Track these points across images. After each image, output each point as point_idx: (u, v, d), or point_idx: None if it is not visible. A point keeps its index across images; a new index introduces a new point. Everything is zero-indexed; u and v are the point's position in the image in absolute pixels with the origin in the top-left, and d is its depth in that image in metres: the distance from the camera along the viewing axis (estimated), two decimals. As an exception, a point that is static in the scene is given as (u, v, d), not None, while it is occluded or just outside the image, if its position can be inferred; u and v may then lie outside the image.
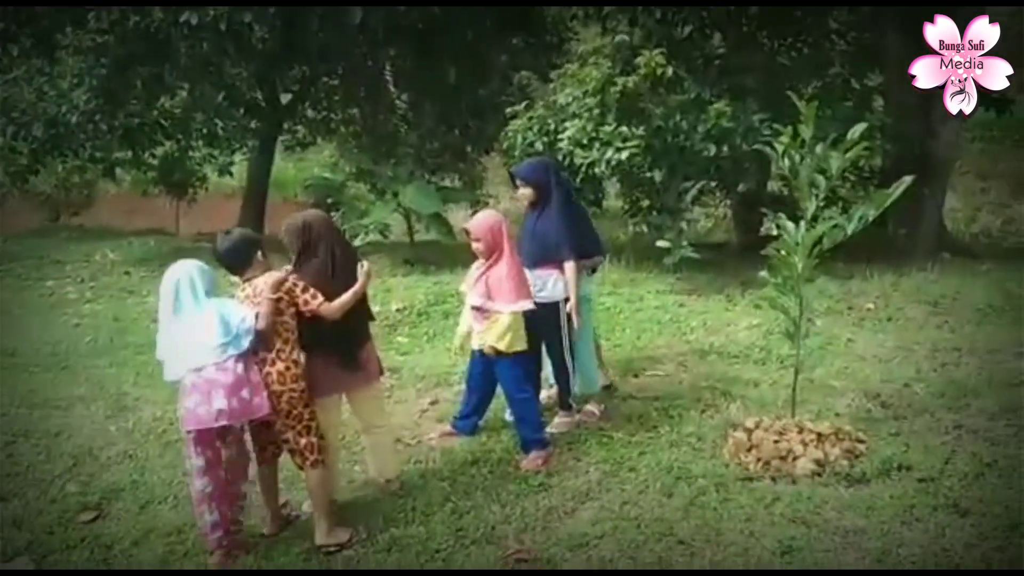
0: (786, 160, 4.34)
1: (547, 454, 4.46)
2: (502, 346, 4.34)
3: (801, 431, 4.53)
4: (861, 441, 4.56)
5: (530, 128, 9.04)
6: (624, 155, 7.83)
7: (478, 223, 4.42)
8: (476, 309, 4.44)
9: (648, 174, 9.07)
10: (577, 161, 8.36)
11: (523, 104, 9.20)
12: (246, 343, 3.40)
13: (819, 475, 4.17)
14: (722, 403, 5.24)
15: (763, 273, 4.64)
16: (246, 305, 3.53)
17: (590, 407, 5.09)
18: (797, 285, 4.45)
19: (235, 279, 3.72)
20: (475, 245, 4.39)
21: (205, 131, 11.57)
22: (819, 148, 4.21)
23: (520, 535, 3.72)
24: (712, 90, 8.57)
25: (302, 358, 3.67)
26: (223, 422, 3.36)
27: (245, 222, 14.48)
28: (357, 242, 10.03)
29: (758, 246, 4.50)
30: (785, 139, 4.30)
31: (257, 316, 3.44)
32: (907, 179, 4.10)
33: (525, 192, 4.82)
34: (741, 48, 9.83)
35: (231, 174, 14.19)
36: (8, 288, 9.83)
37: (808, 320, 7.16)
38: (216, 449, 3.47)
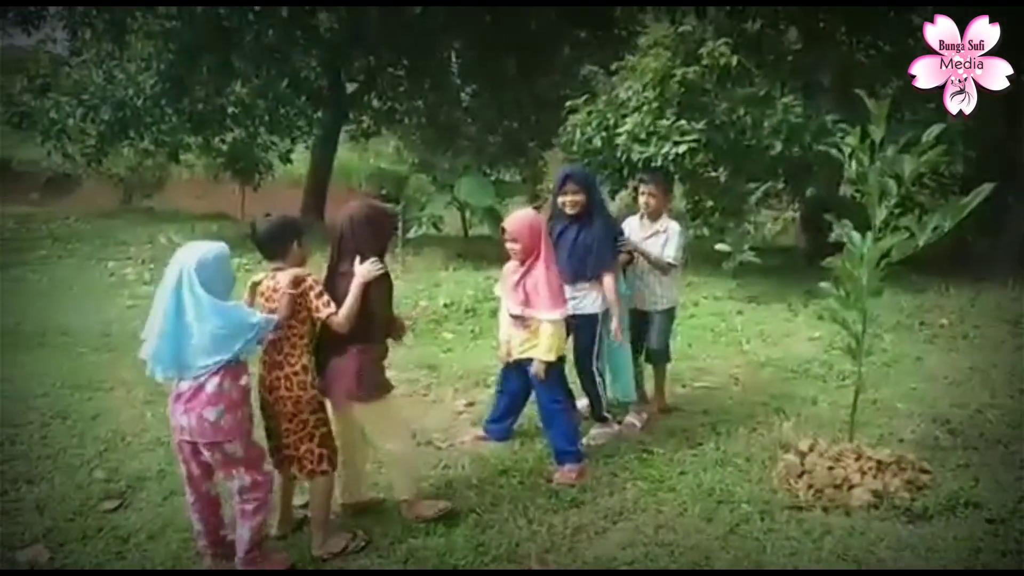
0: (854, 163, 4.00)
1: (581, 468, 4.22)
2: (552, 358, 4.13)
3: (859, 457, 4.19)
4: (925, 472, 4.19)
5: (589, 123, 8.78)
6: (681, 149, 7.50)
7: (516, 222, 4.13)
8: (515, 317, 4.22)
9: (712, 173, 8.74)
10: (634, 157, 8.07)
11: (583, 98, 8.92)
12: (236, 348, 3.15)
13: (876, 508, 3.83)
14: (775, 421, 4.92)
15: (824, 284, 4.29)
16: (253, 305, 3.36)
17: (630, 418, 4.83)
18: (861, 299, 4.09)
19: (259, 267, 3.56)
20: (511, 245, 4.12)
21: (267, 118, 11.59)
22: (890, 151, 3.84)
23: (544, 554, 3.49)
24: (783, 86, 8.14)
25: (310, 362, 3.42)
26: (183, 438, 3.20)
27: (307, 209, 14.63)
28: (411, 235, 9.97)
29: (826, 253, 4.15)
30: (853, 140, 3.95)
31: (269, 319, 3.26)
32: (987, 187, 3.71)
33: (577, 199, 4.45)
34: (816, 44, 9.35)
35: (291, 161, 14.26)
36: (71, 267, 10.06)
37: (875, 335, 6.87)
38: (197, 461, 3.27)
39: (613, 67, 8.91)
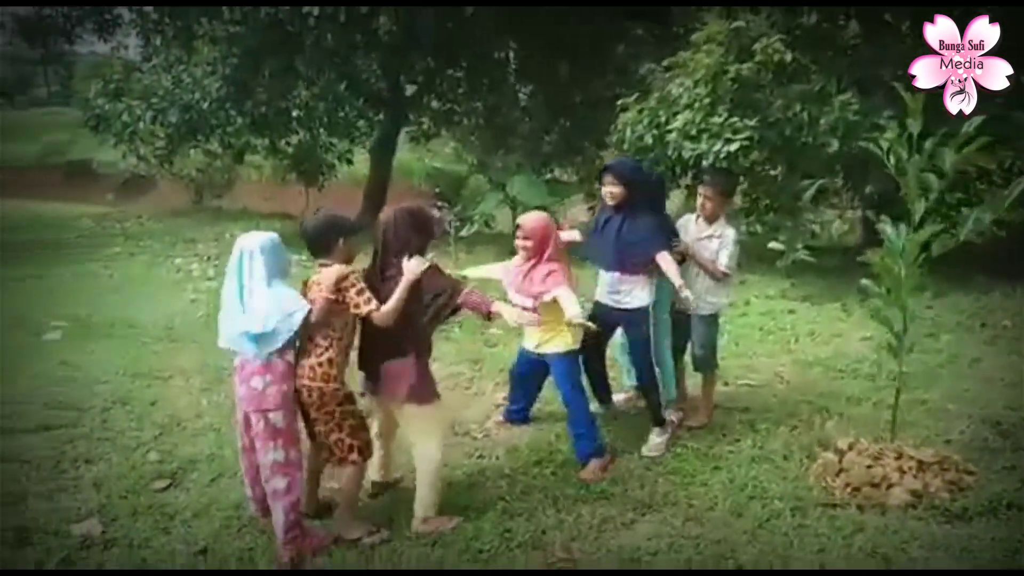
0: (892, 157, 3.92)
1: (606, 461, 4.27)
2: (576, 346, 4.24)
3: (900, 457, 4.12)
4: (970, 473, 4.09)
5: (640, 121, 8.74)
6: (733, 147, 7.42)
7: (531, 222, 4.24)
8: (531, 310, 4.12)
9: (768, 170, 8.61)
10: (685, 154, 8.01)
11: (634, 96, 8.89)
12: (280, 342, 3.34)
13: (914, 507, 3.76)
14: (817, 420, 4.85)
15: (866, 281, 4.22)
16: (303, 296, 3.50)
17: (671, 415, 4.82)
18: (902, 295, 4.00)
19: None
20: (523, 242, 4.19)
21: (327, 120, 11.89)
22: (928, 144, 3.76)
23: (570, 542, 3.54)
24: (839, 82, 7.96)
25: (339, 357, 3.52)
26: (241, 408, 3.44)
27: (367, 209, 14.91)
28: (463, 232, 10.11)
29: None
30: (892, 134, 3.88)
31: (310, 312, 3.40)
32: (1024, 179, 3.61)
33: (615, 191, 4.43)
34: (876, 38, 9.10)
35: (350, 162, 14.59)
36: (141, 264, 10.50)
37: (930, 335, 6.68)
38: (249, 436, 3.49)
39: (665, 63, 8.85)
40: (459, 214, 10.92)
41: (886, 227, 3.86)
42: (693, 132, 8.00)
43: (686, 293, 4.24)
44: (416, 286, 3.54)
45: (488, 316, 3.76)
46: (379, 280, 3.63)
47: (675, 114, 8.37)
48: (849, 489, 3.95)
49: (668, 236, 4.50)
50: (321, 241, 3.56)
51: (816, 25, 8.77)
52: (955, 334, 6.75)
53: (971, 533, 3.50)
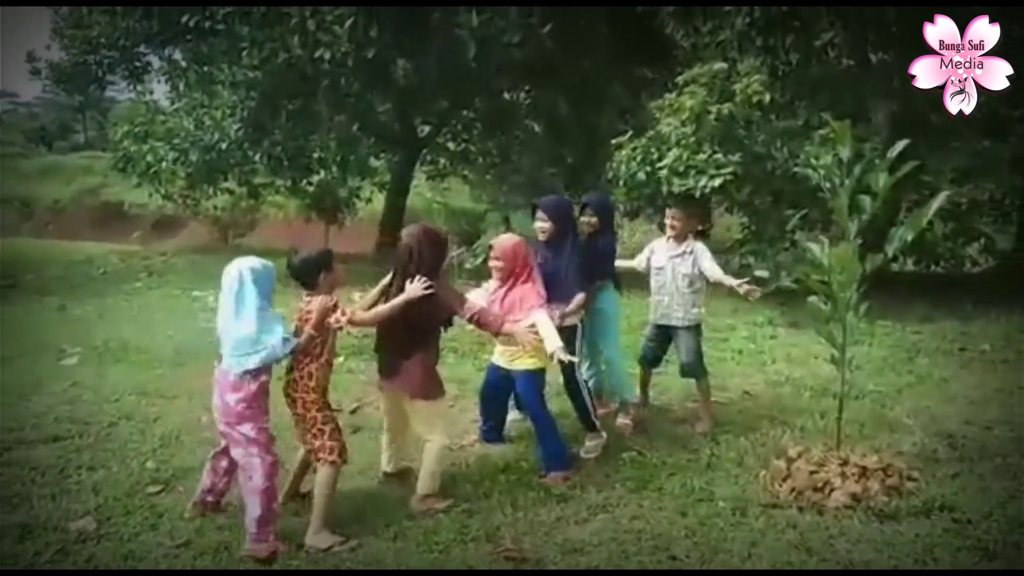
0: (827, 182, 4.22)
1: (571, 473, 4.52)
2: (543, 364, 4.49)
3: (845, 464, 4.33)
4: (912, 479, 4.30)
5: (634, 158, 9.12)
6: (717, 182, 7.75)
7: (503, 244, 4.49)
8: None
9: (754, 201, 8.91)
10: (675, 189, 8.36)
11: (628, 135, 9.29)
12: (255, 364, 3.68)
13: (852, 509, 3.97)
14: (777, 432, 5.07)
15: (811, 299, 4.48)
16: (292, 319, 3.89)
17: (621, 419, 5.20)
18: (840, 311, 4.27)
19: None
20: (496, 263, 4.47)
21: (341, 159, 12.45)
22: (857, 169, 4.06)
23: (521, 536, 3.81)
24: (821, 117, 8.29)
25: (319, 372, 3.90)
26: (215, 416, 3.86)
27: (382, 245, 15.43)
28: (468, 265, 10.50)
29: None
30: (825, 160, 4.18)
31: (293, 336, 3.78)
32: (942, 195, 3.90)
33: (544, 226, 4.82)
34: (866, 73, 9.44)
35: (370, 200, 15.10)
36: (160, 296, 11.01)
37: (910, 358, 6.89)
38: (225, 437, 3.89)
39: (653, 105, 9.26)
40: (471, 250, 11.35)
41: (812, 245, 4.14)
42: (681, 168, 8.36)
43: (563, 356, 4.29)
44: (417, 304, 3.97)
45: (497, 334, 4.26)
46: (400, 293, 4.05)
47: (666, 151, 8.76)
48: (793, 493, 4.18)
49: (587, 275, 4.86)
50: (308, 275, 3.94)
51: (800, 64, 9.13)
52: (932, 357, 6.95)
53: (898, 531, 3.72)
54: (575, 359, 4.54)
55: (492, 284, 4.61)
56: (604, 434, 4.92)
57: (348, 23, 9.95)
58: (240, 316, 3.71)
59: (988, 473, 4.35)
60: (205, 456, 4.96)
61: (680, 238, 5.22)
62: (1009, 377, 6.23)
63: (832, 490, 4.14)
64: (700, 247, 5.21)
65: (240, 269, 3.77)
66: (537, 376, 4.58)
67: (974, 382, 6.15)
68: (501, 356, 4.70)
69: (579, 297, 4.75)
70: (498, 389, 4.88)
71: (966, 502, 3.97)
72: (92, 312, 9.92)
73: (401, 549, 3.75)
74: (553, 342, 4.13)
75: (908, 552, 3.51)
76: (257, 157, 11.88)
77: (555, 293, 4.61)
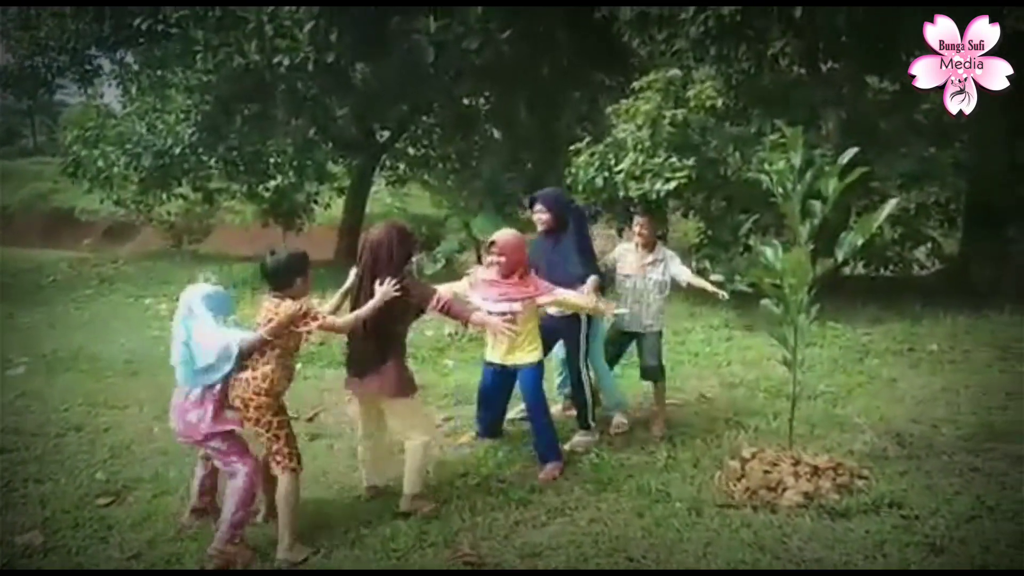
0: (779, 187, 4.30)
1: (562, 464, 4.61)
2: (541, 356, 4.60)
3: (797, 463, 4.41)
4: (863, 478, 4.39)
5: (592, 164, 9.18)
6: (671, 186, 7.84)
7: (504, 239, 4.47)
8: (501, 314, 4.41)
9: (709, 206, 9.03)
10: (632, 194, 8.43)
11: (585, 141, 9.36)
12: (217, 374, 3.67)
13: (804, 507, 4.04)
14: (732, 434, 5.14)
15: (764, 302, 4.56)
16: (249, 326, 3.85)
17: (618, 418, 5.29)
18: (792, 314, 4.35)
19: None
20: (497, 258, 4.44)
21: (298, 164, 12.33)
22: (808, 175, 4.14)
23: (479, 541, 3.80)
24: (772, 124, 8.44)
25: (276, 373, 3.79)
26: (178, 439, 3.88)
27: (341, 250, 15.32)
28: (427, 271, 10.48)
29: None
30: (778, 166, 4.26)
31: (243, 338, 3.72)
32: (892, 202, 3.99)
33: (543, 217, 4.95)
34: (817, 81, 9.63)
35: (316, 202, 15.01)
36: (112, 304, 10.80)
37: (860, 359, 7.04)
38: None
39: (609, 110, 9.34)
40: (431, 255, 11.33)
41: (766, 249, 4.21)
42: (637, 173, 8.44)
43: (622, 310, 4.88)
44: (391, 304, 3.94)
45: (466, 324, 4.31)
46: (368, 293, 3.99)
47: (623, 156, 8.83)
48: (748, 493, 4.24)
49: (590, 262, 4.94)
50: (282, 279, 3.82)
51: (753, 71, 9.29)
52: (882, 358, 7.11)
53: (848, 527, 3.79)
54: (624, 310, 4.94)
55: (483, 272, 4.59)
56: (596, 435, 4.99)
57: (308, 27, 9.86)
58: (197, 337, 3.68)
59: (935, 470, 4.46)
60: (156, 466, 4.92)
61: (649, 246, 5.25)
62: (955, 377, 6.39)
63: (785, 489, 4.21)
64: (670, 253, 5.29)
65: (187, 301, 3.74)
66: (539, 369, 4.64)
67: (922, 382, 6.30)
68: (496, 352, 4.68)
69: (592, 279, 4.78)
70: (498, 387, 4.87)
71: (914, 499, 4.06)
72: (41, 321, 9.69)
73: (359, 556, 3.72)
74: (591, 300, 4.47)
75: (858, 548, 3.58)
76: (212, 162, 11.69)
77: (556, 282, 4.66)
